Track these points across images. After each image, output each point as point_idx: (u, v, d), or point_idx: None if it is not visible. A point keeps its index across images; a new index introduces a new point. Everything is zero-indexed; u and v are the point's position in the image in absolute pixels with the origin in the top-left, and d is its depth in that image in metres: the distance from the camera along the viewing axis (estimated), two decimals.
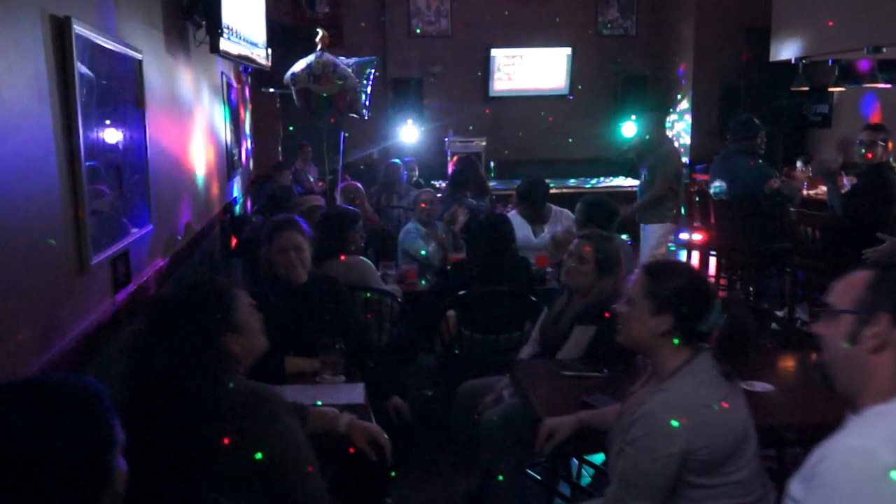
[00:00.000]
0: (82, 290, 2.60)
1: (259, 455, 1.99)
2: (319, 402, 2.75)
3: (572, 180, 9.89)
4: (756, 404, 2.37)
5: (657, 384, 2.30)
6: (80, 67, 2.59)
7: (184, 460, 1.94)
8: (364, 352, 3.44)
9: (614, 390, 2.92)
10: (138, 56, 3.37)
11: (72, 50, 2.51)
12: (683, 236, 9.13)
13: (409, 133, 10.35)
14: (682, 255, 8.85)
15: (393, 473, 3.16)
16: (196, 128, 5.09)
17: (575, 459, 3.77)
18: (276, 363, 3.07)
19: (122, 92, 3.17)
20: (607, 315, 3.33)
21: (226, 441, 1.95)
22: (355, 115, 6.70)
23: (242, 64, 6.78)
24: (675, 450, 2.13)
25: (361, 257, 4.49)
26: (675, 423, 2.13)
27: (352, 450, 2.58)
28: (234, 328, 2.16)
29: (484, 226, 4.43)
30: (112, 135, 2.99)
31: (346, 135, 7.85)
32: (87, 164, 2.61)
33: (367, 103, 6.78)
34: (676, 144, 10.50)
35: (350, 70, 6.27)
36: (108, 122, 2.92)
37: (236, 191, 7.53)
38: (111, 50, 2.98)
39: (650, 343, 2.30)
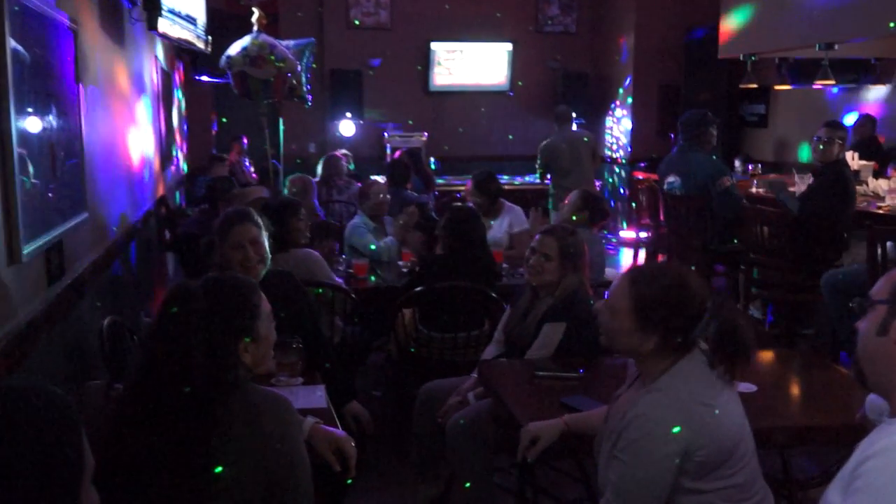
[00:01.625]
0: (14, 282, 2.31)
1: (265, 466, 1.87)
2: None
3: (512, 177, 9.83)
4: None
5: (645, 385, 2.15)
6: (12, 42, 2.30)
7: (187, 466, 1.80)
8: (321, 352, 3.21)
9: (592, 391, 2.77)
10: (74, 26, 3.07)
11: (2, 11, 2.22)
12: (627, 234, 9.12)
13: (347, 127, 10.08)
14: (625, 254, 8.84)
15: (349, 481, 2.97)
16: (132, 113, 4.77)
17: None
18: None
19: (57, 65, 2.87)
20: (581, 314, 3.20)
21: (232, 449, 1.83)
22: (298, 100, 6.42)
23: (180, 46, 6.43)
24: (672, 451, 1.98)
25: (310, 250, 4.25)
26: (676, 430, 1.98)
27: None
28: (251, 336, 1.99)
29: (457, 220, 4.22)
30: (46, 113, 2.69)
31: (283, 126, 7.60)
32: (19, 145, 2.32)
33: (309, 88, 6.51)
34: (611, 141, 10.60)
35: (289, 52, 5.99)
36: (42, 97, 2.63)
37: (170, 183, 7.18)
38: (44, 15, 2.68)
39: (636, 353, 2.16)
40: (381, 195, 5.36)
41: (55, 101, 2.80)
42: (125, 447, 1.83)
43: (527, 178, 9.92)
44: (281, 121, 6.73)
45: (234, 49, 6.09)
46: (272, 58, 5.98)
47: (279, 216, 4.00)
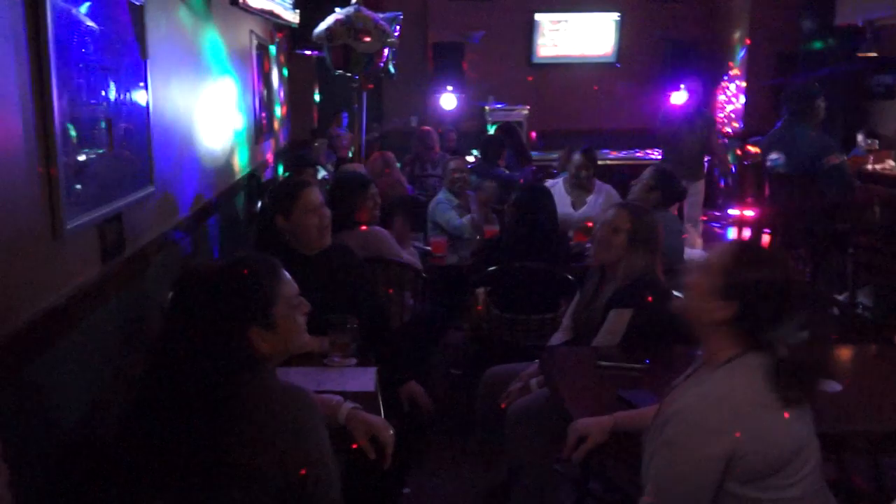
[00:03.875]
0: (56, 258, 2.31)
1: (281, 460, 1.76)
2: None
3: (618, 151, 9.54)
4: (821, 405, 1.99)
5: (703, 374, 1.97)
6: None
7: (196, 455, 1.73)
8: (380, 331, 3.12)
9: (657, 383, 2.58)
10: (138, 2, 3.06)
11: None
12: (733, 211, 8.71)
13: (448, 100, 9.98)
14: (732, 232, 8.43)
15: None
16: (216, 88, 4.79)
17: None
18: None
19: (119, 39, 2.87)
20: (650, 299, 3.00)
21: (247, 441, 1.74)
22: (384, 75, 6.39)
23: (273, 21, 6.47)
24: (716, 452, 1.80)
25: (378, 227, 4.17)
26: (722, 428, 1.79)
27: (354, 445, 2.26)
28: (265, 324, 1.86)
29: (523, 199, 4.07)
30: (101, 86, 2.69)
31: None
32: (62, 119, 2.31)
33: (394, 62, 6.47)
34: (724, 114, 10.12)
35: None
36: (95, 70, 2.62)
37: (268, 157, 7.26)
38: None
39: (702, 325, 1.96)
40: (457, 172, 5.24)
41: (113, 75, 2.79)
42: (139, 432, 1.79)
43: (628, 153, 9.62)
44: (365, 96, 6.66)
45: (330, 21, 6.05)
46: (376, 31, 5.96)
47: (344, 193, 3.95)
